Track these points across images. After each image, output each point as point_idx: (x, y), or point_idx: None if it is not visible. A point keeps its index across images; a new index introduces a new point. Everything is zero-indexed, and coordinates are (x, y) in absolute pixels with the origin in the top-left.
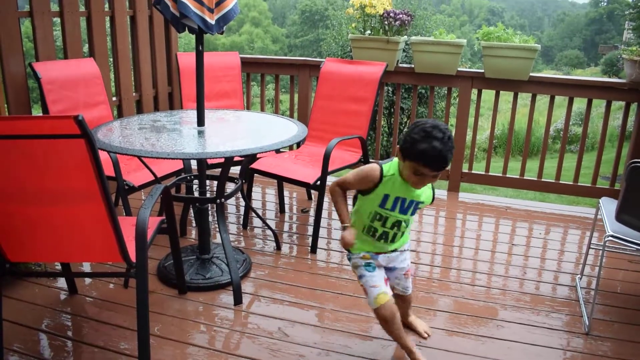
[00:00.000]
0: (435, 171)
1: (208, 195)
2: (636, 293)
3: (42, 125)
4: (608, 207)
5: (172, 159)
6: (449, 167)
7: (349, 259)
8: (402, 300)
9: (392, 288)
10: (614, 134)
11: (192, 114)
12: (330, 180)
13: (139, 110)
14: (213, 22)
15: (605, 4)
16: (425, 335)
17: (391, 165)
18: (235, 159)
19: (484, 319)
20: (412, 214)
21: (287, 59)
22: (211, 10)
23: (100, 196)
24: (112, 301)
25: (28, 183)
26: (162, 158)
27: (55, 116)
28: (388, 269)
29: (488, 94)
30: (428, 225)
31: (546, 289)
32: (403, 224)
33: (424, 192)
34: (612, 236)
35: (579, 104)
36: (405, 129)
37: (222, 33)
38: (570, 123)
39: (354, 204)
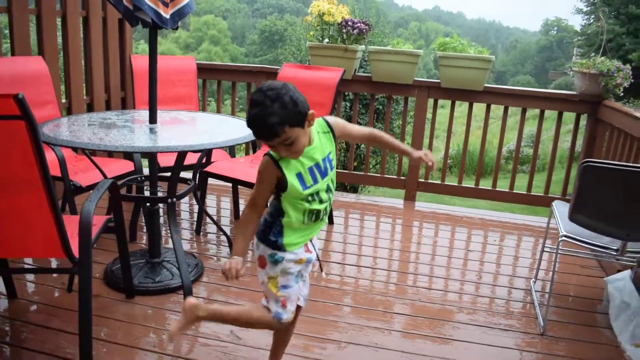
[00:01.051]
0: (265, 140)
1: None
2: (589, 296)
3: None
4: (561, 209)
5: (121, 151)
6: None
7: (276, 262)
8: (294, 319)
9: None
10: (564, 155)
11: (144, 113)
12: None
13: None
14: (167, 17)
15: (555, 32)
16: None
17: None
18: (188, 162)
19: (440, 321)
20: (332, 168)
21: (244, 66)
22: (166, 4)
23: (41, 184)
24: (54, 305)
25: None
26: (111, 153)
27: None
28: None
29: (442, 116)
30: (385, 232)
31: (502, 293)
32: (331, 183)
33: (321, 144)
34: (565, 236)
35: (531, 126)
36: (362, 145)
37: (176, 28)
38: (522, 145)
39: (280, 211)
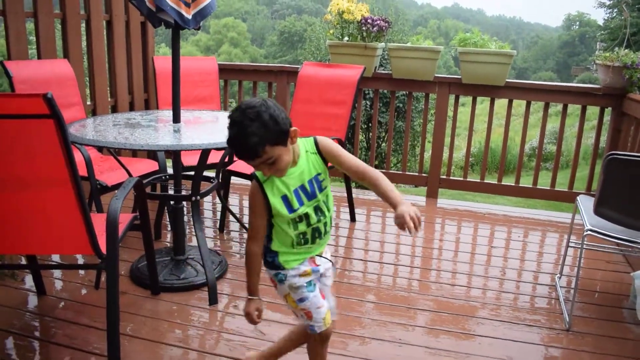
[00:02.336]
0: (246, 160)
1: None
2: (614, 291)
3: (8, 104)
4: (586, 203)
5: (147, 152)
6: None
7: (281, 280)
8: (325, 336)
9: None
10: (588, 152)
11: (168, 113)
12: None
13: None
14: (190, 17)
15: (577, 27)
16: None
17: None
18: (211, 161)
19: (464, 317)
20: (321, 190)
21: (265, 66)
22: (188, 5)
23: (70, 182)
24: (82, 302)
25: None
26: (136, 152)
27: (23, 94)
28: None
29: (464, 114)
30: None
31: (526, 289)
32: (322, 205)
33: (309, 164)
34: (591, 230)
35: (553, 123)
36: (384, 144)
37: (198, 28)
38: (545, 141)
39: (269, 237)
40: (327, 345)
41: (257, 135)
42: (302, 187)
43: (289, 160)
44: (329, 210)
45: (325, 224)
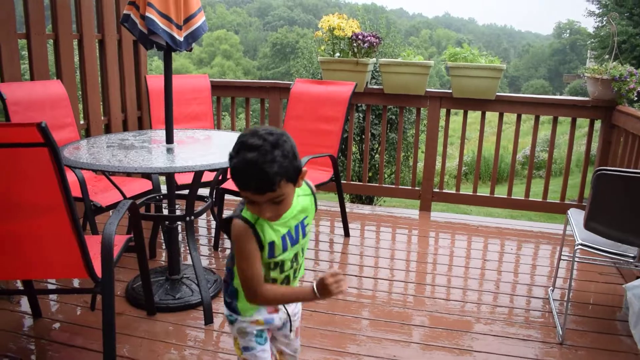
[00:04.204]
0: (259, 194)
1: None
2: (607, 303)
3: (3, 133)
4: (576, 217)
5: (140, 172)
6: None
7: (232, 322)
8: None
9: (280, 353)
10: (580, 159)
11: (161, 133)
12: None
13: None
14: (181, 39)
15: (567, 35)
16: None
17: (246, 208)
18: (205, 179)
19: (459, 332)
20: (304, 235)
21: (257, 82)
22: (179, 27)
23: (65, 208)
24: (78, 324)
25: None
26: (129, 172)
27: (17, 123)
28: (278, 330)
29: (457, 123)
30: (401, 244)
31: (520, 302)
32: (300, 253)
33: (300, 207)
34: (581, 245)
35: (545, 130)
36: (377, 156)
37: (190, 50)
38: (537, 149)
39: (232, 259)
40: None
41: (277, 165)
42: (289, 233)
43: (291, 204)
44: (302, 256)
45: (295, 271)
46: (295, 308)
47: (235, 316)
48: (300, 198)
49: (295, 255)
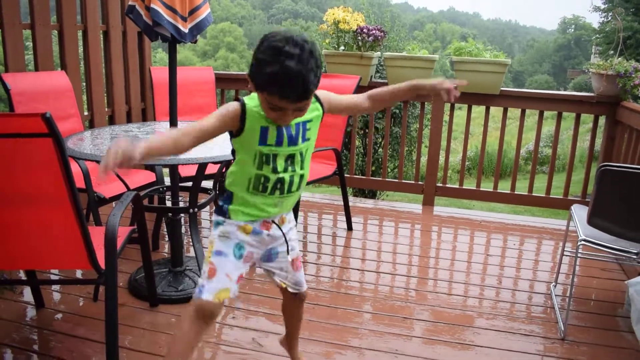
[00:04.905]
0: (295, 102)
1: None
2: (610, 299)
3: (7, 123)
4: (580, 213)
5: (144, 164)
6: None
7: (217, 224)
8: (295, 302)
9: (284, 290)
10: (584, 155)
11: (165, 125)
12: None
13: (112, 125)
14: (186, 31)
15: (572, 30)
16: None
17: (253, 98)
18: (208, 171)
19: (461, 327)
20: (304, 140)
21: None
22: (184, 19)
23: (68, 199)
24: (80, 314)
25: None
26: None
27: (22, 114)
28: (268, 257)
29: (460, 117)
30: (404, 238)
31: (522, 297)
32: (297, 157)
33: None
34: (584, 240)
35: (549, 126)
36: (380, 150)
37: (195, 42)
38: (541, 145)
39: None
40: (204, 330)
41: (313, 74)
42: (288, 127)
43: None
44: (302, 169)
45: (291, 180)
46: (289, 231)
47: (223, 219)
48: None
49: (292, 159)
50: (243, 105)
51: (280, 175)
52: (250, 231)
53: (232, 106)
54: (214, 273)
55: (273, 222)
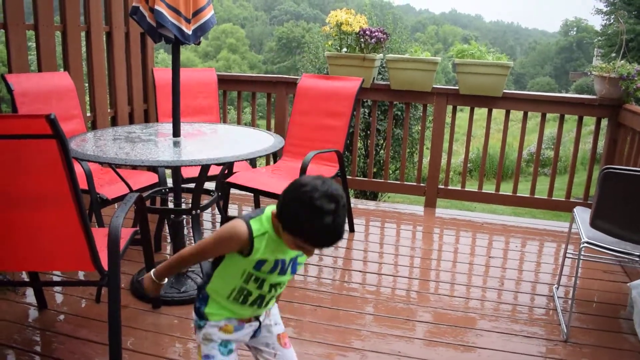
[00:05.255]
0: (326, 247)
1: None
2: (612, 302)
3: (12, 125)
4: (582, 215)
5: (146, 165)
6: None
7: (199, 327)
8: None
9: None
10: (586, 157)
11: (168, 127)
12: None
13: (114, 126)
14: (190, 32)
15: (574, 32)
16: None
17: (261, 221)
18: (211, 173)
19: (463, 329)
20: (293, 272)
21: (264, 76)
22: (188, 20)
23: (72, 200)
24: (83, 316)
25: None
26: (136, 165)
27: (26, 115)
28: (254, 339)
29: (462, 119)
30: (405, 240)
31: (524, 299)
32: (283, 284)
33: None
34: (587, 243)
35: (551, 128)
36: (382, 151)
37: (198, 43)
38: (543, 147)
39: (213, 265)
40: None
41: (344, 223)
42: (283, 261)
43: None
44: (282, 287)
45: (271, 298)
46: (266, 318)
47: (203, 322)
48: None
49: (277, 285)
50: (251, 235)
51: (262, 293)
52: (232, 330)
53: (240, 235)
54: None
55: (251, 318)
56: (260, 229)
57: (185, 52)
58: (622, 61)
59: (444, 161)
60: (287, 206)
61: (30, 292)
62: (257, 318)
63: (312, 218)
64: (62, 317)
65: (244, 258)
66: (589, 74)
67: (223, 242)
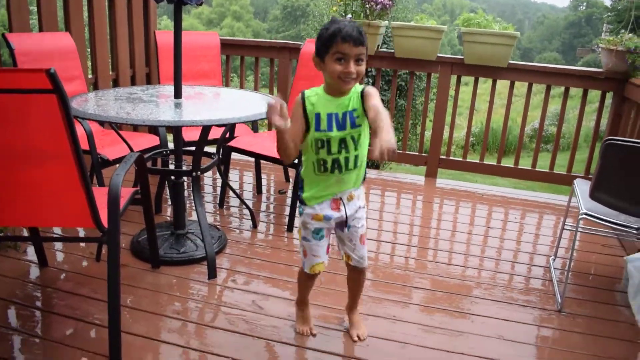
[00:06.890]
0: (355, 45)
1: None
2: (608, 274)
3: (12, 79)
4: (582, 187)
5: (148, 127)
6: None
7: (300, 213)
8: (356, 275)
9: (347, 257)
10: (589, 134)
11: (170, 88)
12: None
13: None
14: None
15: (584, 7)
16: (355, 338)
17: (314, 88)
18: (212, 136)
19: (458, 296)
20: (353, 126)
21: (267, 42)
22: None
23: (72, 156)
24: (83, 274)
25: None
26: (136, 125)
27: (26, 69)
28: (340, 229)
29: (466, 93)
30: (405, 208)
31: (521, 269)
32: (349, 141)
33: (352, 100)
34: (585, 214)
35: (555, 104)
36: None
37: (200, 4)
38: (546, 123)
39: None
40: (311, 285)
41: (362, 29)
42: (337, 115)
43: (362, 76)
44: (355, 149)
45: (346, 160)
46: (354, 211)
47: (301, 208)
48: (353, 93)
49: (344, 142)
50: (303, 94)
51: (335, 156)
52: (322, 218)
53: (296, 100)
54: (306, 254)
55: (341, 199)
56: (312, 91)
57: (189, 19)
58: (631, 34)
59: (446, 134)
60: (317, 41)
61: (31, 249)
62: (341, 201)
63: (332, 25)
64: (62, 274)
65: (309, 134)
66: (596, 47)
67: (292, 113)
